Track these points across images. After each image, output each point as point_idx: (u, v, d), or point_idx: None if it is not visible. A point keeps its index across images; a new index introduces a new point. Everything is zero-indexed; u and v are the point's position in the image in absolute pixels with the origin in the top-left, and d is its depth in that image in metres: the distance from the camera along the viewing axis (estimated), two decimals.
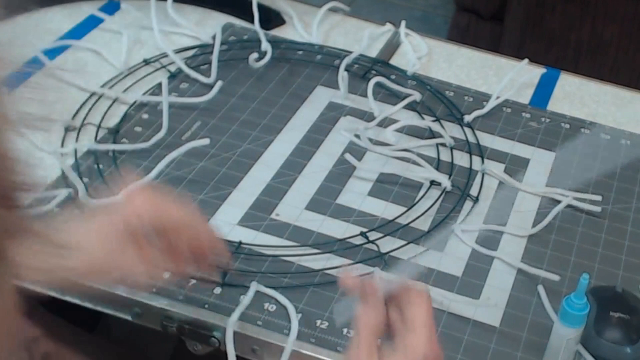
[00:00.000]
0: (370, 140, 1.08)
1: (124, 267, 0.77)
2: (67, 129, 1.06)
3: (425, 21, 2.61)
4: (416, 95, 1.15)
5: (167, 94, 1.07)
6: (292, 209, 0.99)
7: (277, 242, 0.94)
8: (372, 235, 0.96)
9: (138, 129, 1.07)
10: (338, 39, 1.27)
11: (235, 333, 0.84)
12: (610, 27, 2.02)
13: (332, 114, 1.13)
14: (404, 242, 0.96)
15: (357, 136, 1.08)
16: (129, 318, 0.89)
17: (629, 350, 0.84)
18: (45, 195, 0.96)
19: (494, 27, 2.16)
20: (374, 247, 0.95)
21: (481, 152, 1.09)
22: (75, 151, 1.03)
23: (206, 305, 0.87)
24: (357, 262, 0.93)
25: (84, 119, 1.08)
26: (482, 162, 1.07)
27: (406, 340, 0.70)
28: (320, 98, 1.16)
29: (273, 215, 0.98)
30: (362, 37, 1.26)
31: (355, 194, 1.02)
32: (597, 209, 1.02)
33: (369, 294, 0.71)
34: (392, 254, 0.94)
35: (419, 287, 0.71)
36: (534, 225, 0.99)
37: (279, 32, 1.28)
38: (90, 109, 1.10)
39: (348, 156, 1.04)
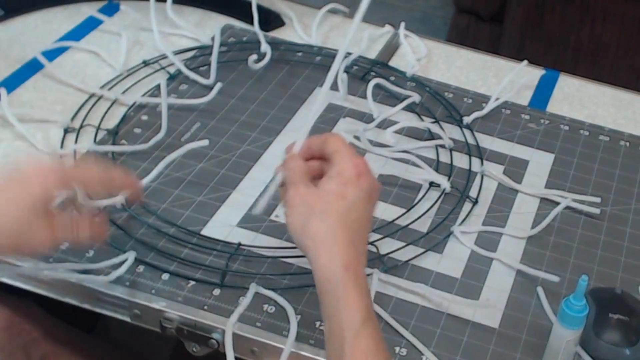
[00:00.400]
0: (370, 141, 1.08)
1: (29, 236, 0.75)
2: (67, 130, 1.06)
3: (425, 22, 2.61)
4: (415, 97, 1.15)
5: (166, 95, 1.07)
6: None
7: (276, 244, 0.94)
8: (371, 237, 0.96)
9: (137, 130, 1.07)
10: (337, 40, 1.27)
11: (234, 334, 0.84)
12: (609, 28, 2.02)
13: (331, 116, 1.13)
14: (403, 244, 0.96)
15: (357, 137, 1.08)
16: (127, 319, 0.89)
17: (628, 352, 0.84)
18: None
19: (494, 28, 2.16)
20: (373, 249, 0.95)
21: (480, 153, 1.09)
22: (75, 152, 1.03)
23: (205, 307, 0.87)
24: None
25: (83, 120, 1.08)
26: (482, 163, 1.07)
27: (335, 166, 0.77)
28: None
29: (272, 217, 0.98)
30: (361, 39, 1.25)
31: None
32: (596, 210, 1.02)
33: (288, 153, 0.80)
34: (391, 255, 0.94)
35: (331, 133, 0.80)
36: (533, 227, 0.99)
37: (278, 34, 1.27)
38: (89, 110, 1.09)
39: None
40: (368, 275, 0.91)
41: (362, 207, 0.76)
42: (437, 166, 1.06)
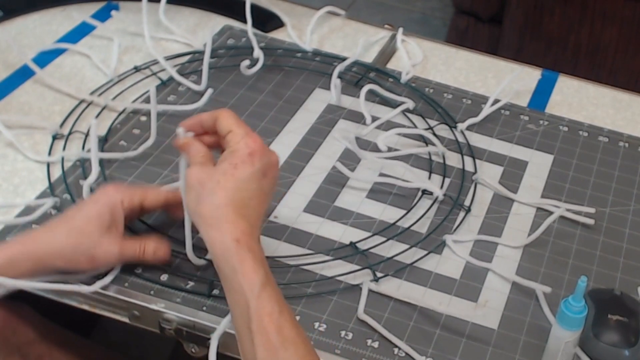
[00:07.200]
0: (364, 146, 1.07)
1: (99, 250, 0.84)
2: (55, 137, 1.05)
3: (424, 24, 2.61)
4: (409, 104, 1.14)
5: (155, 102, 1.02)
6: (291, 211, 0.99)
7: (274, 245, 0.94)
8: (369, 241, 0.95)
9: (126, 137, 1.06)
10: (337, 42, 1.27)
11: (232, 336, 0.84)
12: (608, 29, 2.02)
13: (330, 116, 1.13)
14: (399, 248, 0.95)
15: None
16: (126, 320, 0.88)
17: (627, 352, 0.84)
18: (32, 204, 0.96)
19: (493, 29, 2.16)
20: (369, 251, 0.95)
21: (474, 160, 1.08)
22: (63, 160, 1.01)
23: (204, 308, 0.87)
24: (350, 272, 0.92)
25: (72, 127, 1.07)
26: (475, 170, 1.06)
27: (229, 147, 0.81)
28: (318, 100, 1.15)
29: (271, 218, 0.98)
30: (357, 43, 1.24)
31: (354, 197, 1.01)
32: (590, 221, 1.01)
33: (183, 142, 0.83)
34: (387, 258, 0.94)
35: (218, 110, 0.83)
36: (530, 231, 0.99)
37: (277, 35, 1.27)
38: (78, 116, 1.08)
39: (339, 165, 1.03)
40: (359, 284, 0.91)
41: (254, 184, 0.80)
42: (430, 171, 1.06)
